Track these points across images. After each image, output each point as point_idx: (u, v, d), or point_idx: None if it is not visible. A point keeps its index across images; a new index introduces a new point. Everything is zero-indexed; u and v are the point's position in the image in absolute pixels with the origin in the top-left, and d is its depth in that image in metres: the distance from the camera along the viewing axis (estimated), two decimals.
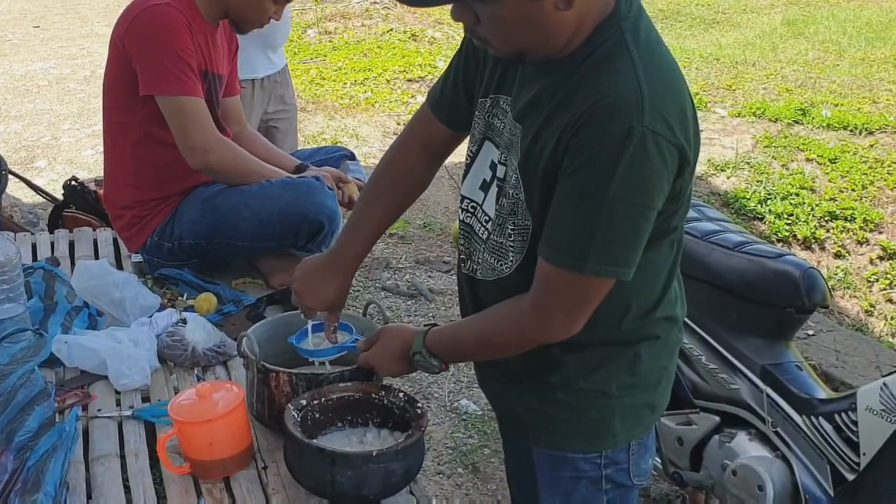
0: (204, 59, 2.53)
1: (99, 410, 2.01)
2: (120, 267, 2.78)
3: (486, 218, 1.51)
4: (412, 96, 7.19)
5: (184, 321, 2.26)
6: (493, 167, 1.49)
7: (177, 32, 2.41)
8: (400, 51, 8.62)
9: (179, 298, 2.52)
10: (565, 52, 1.34)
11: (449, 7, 1.33)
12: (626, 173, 1.27)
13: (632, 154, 1.26)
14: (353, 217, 1.79)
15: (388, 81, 7.68)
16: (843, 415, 2.18)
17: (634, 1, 1.36)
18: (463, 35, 1.57)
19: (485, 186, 1.52)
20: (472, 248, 1.57)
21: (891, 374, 2.17)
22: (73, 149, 6.02)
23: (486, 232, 1.52)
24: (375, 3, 11.69)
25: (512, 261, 1.48)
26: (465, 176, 1.58)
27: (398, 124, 6.53)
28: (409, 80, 7.63)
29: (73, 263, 2.80)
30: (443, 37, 9.00)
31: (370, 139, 6.22)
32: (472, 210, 1.56)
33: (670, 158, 1.29)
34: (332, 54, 8.75)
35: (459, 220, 1.61)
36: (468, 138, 1.59)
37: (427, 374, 2.30)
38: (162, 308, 2.41)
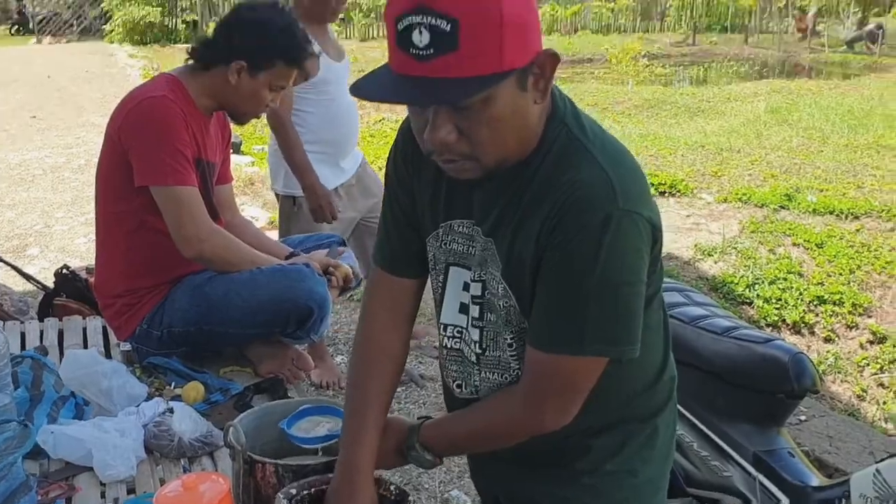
0: (198, 148, 2.57)
1: None
2: (109, 356, 2.77)
3: (475, 340, 1.50)
4: None
5: (171, 410, 2.24)
6: (466, 288, 1.49)
7: (173, 125, 2.45)
8: (391, 139, 8.76)
9: (167, 387, 2.51)
10: (525, 154, 1.36)
11: None
12: (609, 257, 1.29)
13: (612, 238, 1.28)
14: (348, 421, 1.63)
15: (380, 169, 7.76)
16: (837, 502, 2.15)
17: (564, 96, 1.40)
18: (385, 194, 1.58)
19: (465, 309, 1.51)
20: (466, 372, 1.55)
21: (884, 460, 2.15)
22: (66, 237, 6.04)
23: (474, 354, 1.51)
24: None
25: (517, 369, 1.47)
26: (439, 305, 1.56)
27: None
28: None
29: (61, 352, 2.79)
30: None
31: None
32: (458, 335, 1.53)
33: (646, 234, 1.32)
34: None
35: (444, 347, 1.58)
36: (430, 273, 1.56)
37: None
38: (149, 397, 2.39)
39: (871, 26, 21.95)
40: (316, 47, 3.23)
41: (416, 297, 1.64)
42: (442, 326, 1.56)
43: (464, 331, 1.52)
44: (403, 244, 1.59)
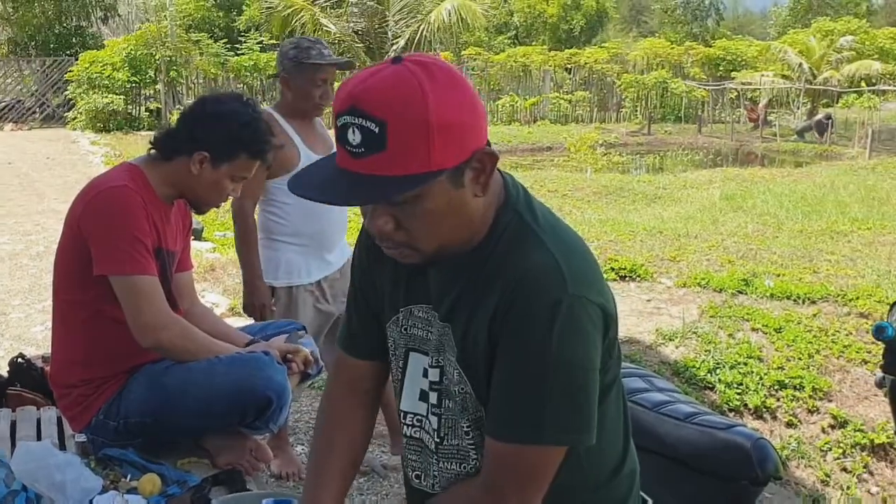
0: (158, 237, 2.56)
1: None
2: (63, 447, 2.70)
3: (433, 428, 1.50)
4: None
5: None
6: (425, 374, 1.50)
7: (133, 214, 2.45)
8: (354, 225, 8.79)
9: (123, 480, 2.44)
10: (474, 242, 1.39)
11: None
12: (561, 341, 1.31)
13: (562, 323, 1.30)
14: (303, 495, 1.66)
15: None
16: None
17: (518, 185, 1.45)
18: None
19: (424, 396, 1.51)
20: (426, 462, 1.54)
21: None
22: (22, 325, 5.94)
23: (433, 443, 1.51)
24: None
25: (475, 458, 1.47)
26: (399, 392, 1.56)
27: None
28: None
29: (13, 443, 2.71)
30: None
31: None
32: (418, 423, 1.54)
33: (597, 318, 1.35)
34: None
35: (405, 437, 1.58)
36: (391, 359, 1.58)
37: None
38: (104, 490, 2.33)
39: (819, 116, 22.71)
40: (297, 140, 3.27)
41: (377, 379, 1.65)
42: (402, 414, 1.56)
43: (423, 419, 1.52)
44: (363, 328, 1.62)
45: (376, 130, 1.21)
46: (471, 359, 1.40)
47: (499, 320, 1.35)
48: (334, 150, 1.31)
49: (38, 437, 2.80)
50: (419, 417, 1.53)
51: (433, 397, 1.49)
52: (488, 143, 1.33)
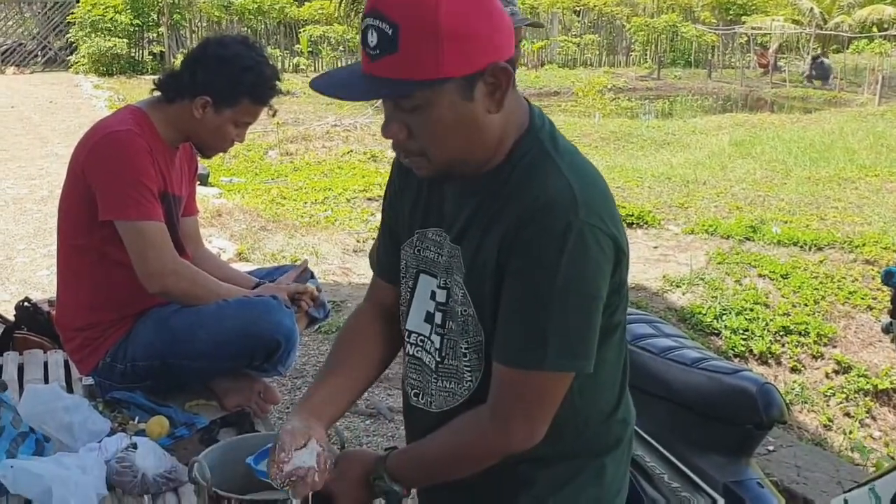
0: (164, 182, 2.54)
1: None
2: (70, 390, 2.71)
3: (435, 348, 1.52)
4: (372, 214, 7.27)
5: (134, 446, 2.20)
6: (433, 296, 1.51)
7: (138, 158, 2.43)
8: (360, 171, 8.76)
9: (131, 422, 2.46)
10: (492, 163, 1.40)
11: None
12: (570, 266, 1.31)
13: (572, 247, 1.31)
14: (312, 388, 1.66)
15: (349, 200, 7.77)
16: None
17: (544, 116, 1.46)
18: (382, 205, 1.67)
19: (429, 318, 1.52)
20: (424, 380, 1.56)
21: (851, 490, 2.16)
22: (28, 269, 5.95)
23: (434, 361, 1.52)
24: (336, 125, 11.95)
25: (469, 380, 1.48)
26: (406, 312, 1.58)
27: (357, 241, 6.59)
28: (370, 199, 7.72)
29: (21, 387, 2.73)
30: None
31: (329, 256, 6.25)
32: (420, 343, 1.55)
33: (608, 249, 1.35)
34: (293, 174, 8.86)
35: (407, 355, 1.60)
36: (401, 281, 1.59)
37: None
38: (112, 432, 2.34)
39: (812, 63, 22.32)
40: None
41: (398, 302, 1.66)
42: (406, 333, 1.59)
43: (426, 339, 1.54)
44: (385, 251, 1.65)
45: (390, 33, 1.26)
46: (477, 280, 1.42)
47: (509, 243, 1.36)
48: None
49: (46, 381, 2.82)
50: (422, 337, 1.55)
51: (438, 317, 1.50)
52: (512, 60, 1.34)
